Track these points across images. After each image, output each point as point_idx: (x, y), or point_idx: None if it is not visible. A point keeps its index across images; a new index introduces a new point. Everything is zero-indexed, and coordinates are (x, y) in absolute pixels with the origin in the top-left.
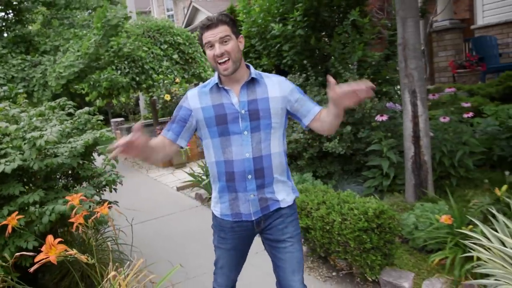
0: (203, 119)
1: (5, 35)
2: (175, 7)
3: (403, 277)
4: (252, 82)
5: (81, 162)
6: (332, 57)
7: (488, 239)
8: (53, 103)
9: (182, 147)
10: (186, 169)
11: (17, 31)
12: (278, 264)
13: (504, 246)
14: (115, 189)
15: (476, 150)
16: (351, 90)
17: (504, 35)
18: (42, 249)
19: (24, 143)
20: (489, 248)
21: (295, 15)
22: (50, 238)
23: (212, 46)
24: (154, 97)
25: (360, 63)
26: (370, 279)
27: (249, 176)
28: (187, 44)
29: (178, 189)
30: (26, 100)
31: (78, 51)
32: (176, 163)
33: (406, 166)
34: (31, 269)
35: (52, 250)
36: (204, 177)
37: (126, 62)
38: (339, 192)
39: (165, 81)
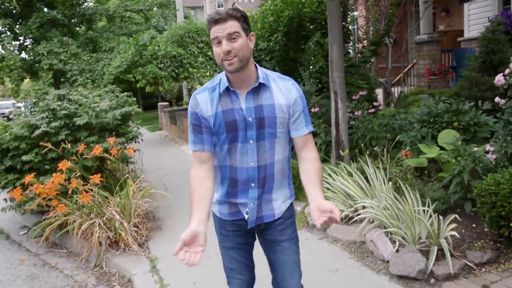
0: (213, 126)
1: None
2: (225, 3)
3: (298, 206)
4: (258, 86)
5: (119, 123)
6: (302, 65)
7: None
8: (107, 89)
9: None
10: None
11: (87, 34)
12: (275, 265)
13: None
14: (137, 141)
15: (380, 135)
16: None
17: None
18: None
19: (89, 110)
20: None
21: (278, 38)
22: (97, 148)
23: (219, 42)
24: (189, 87)
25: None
26: None
27: (252, 184)
28: None
29: None
30: (91, 86)
31: (122, 57)
32: None
33: (332, 144)
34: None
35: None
36: None
37: (168, 58)
38: None
39: (198, 74)
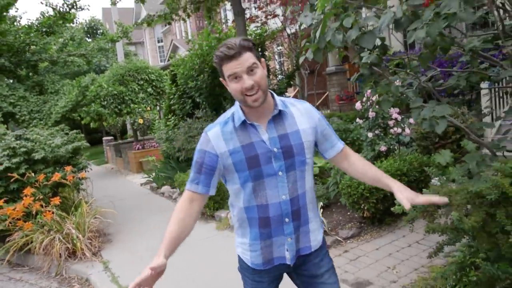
0: (232, 163)
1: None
2: (164, 39)
3: (220, 209)
4: (279, 114)
5: (71, 156)
6: (226, 99)
7: None
8: (57, 128)
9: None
10: (152, 173)
11: (33, 78)
12: None
13: None
14: (87, 171)
15: None
16: (430, 202)
17: None
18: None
19: (45, 146)
20: None
21: (205, 77)
22: (56, 175)
23: (238, 77)
24: (131, 121)
25: None
26: (210, 214)
27: (287, 219)
28: (159, 79)
29: (141, 184)
30: (42, 126)
31: (67, 98)
32: (145, 169)
33: None
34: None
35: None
36: (153, 173)
37: (110, 96)
38: None
39: (139, 109)
